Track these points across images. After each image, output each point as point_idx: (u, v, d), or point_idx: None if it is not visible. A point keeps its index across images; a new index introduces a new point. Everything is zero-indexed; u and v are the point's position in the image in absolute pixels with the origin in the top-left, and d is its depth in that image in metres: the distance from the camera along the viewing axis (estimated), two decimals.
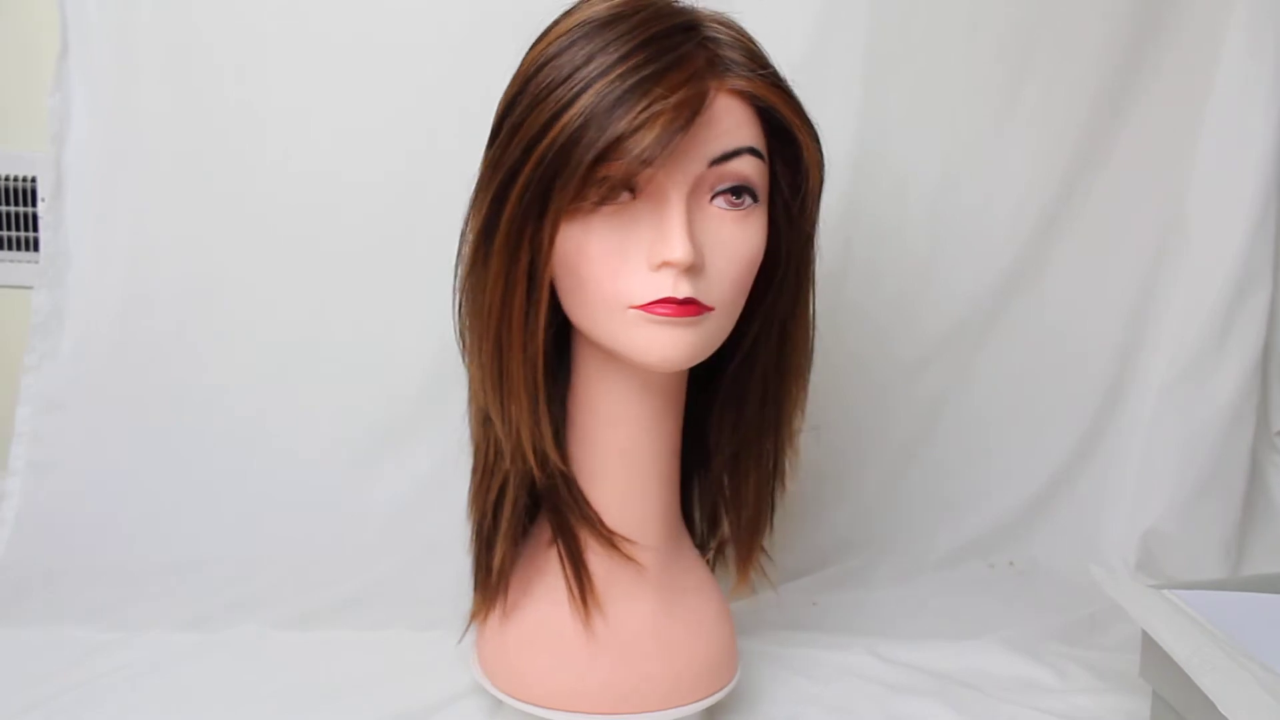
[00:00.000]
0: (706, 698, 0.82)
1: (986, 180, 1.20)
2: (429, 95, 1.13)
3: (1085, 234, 1.21)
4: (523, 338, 0.72)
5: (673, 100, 0.65)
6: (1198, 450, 1.20)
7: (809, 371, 0.83)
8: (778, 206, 0.75)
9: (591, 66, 0.67)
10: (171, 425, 1.15)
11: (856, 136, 1.17)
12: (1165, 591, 0.85)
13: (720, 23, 0.72)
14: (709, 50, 0.69)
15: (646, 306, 0.68)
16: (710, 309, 0.69)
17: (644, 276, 0.68)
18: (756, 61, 0.71)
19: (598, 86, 0.66)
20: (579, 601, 0.79)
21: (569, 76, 0.67)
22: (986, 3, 1.17)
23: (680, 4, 0.72)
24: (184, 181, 1.14)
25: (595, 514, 0.79)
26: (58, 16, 1.10)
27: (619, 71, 0.66)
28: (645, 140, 0.64)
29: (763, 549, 0.88)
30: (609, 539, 0.79)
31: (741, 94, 0.70)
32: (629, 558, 0.79)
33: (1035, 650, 1.03)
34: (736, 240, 0.70)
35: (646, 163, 0.65)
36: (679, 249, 0.66)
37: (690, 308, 0.68)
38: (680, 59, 0.67)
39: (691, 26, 0.70)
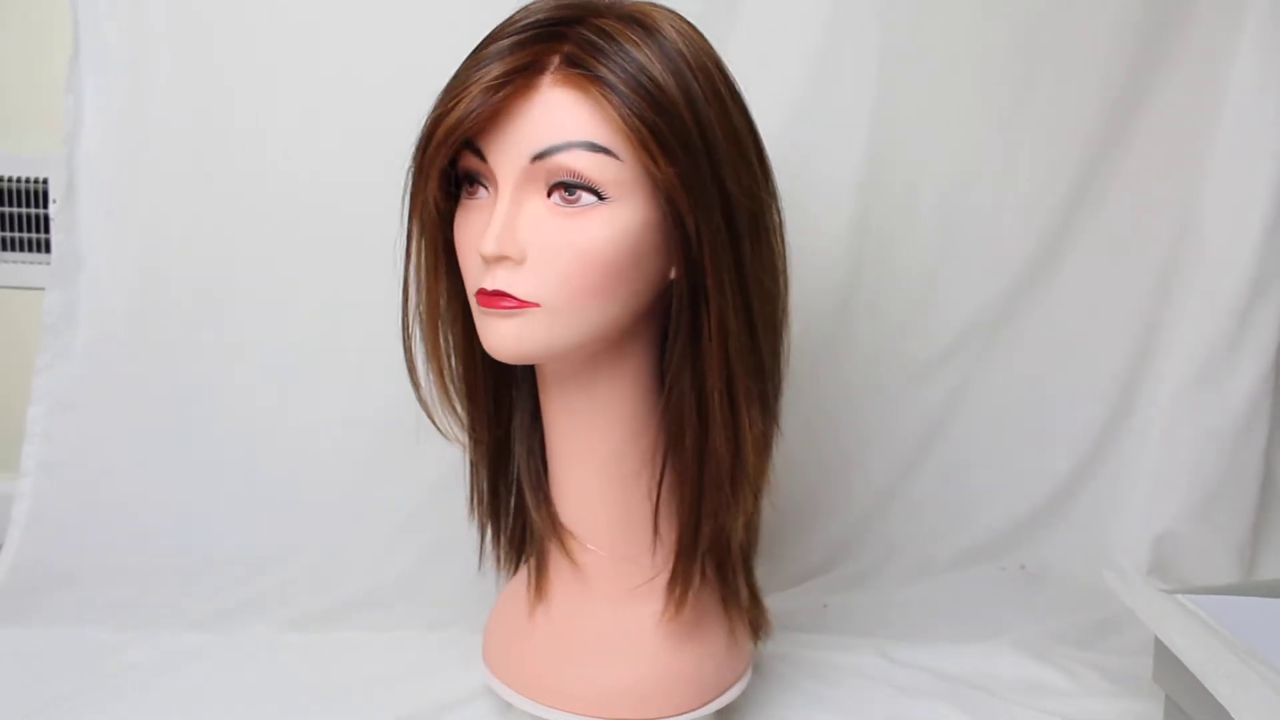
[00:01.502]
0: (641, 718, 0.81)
1: (998, 181, 1.19)
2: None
3: (1098, 235, 1.20)
4: (432, 312, 0.78)
5: (488, 78, 0.67)
6: (1212, 453, 1.19)
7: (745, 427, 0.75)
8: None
9: (467, 60, 0.70)
10: (182, 426, 1.15)
11: (868, 136, 1.17)
12: (1179, 596, 0.85)
13: (616, 18, 0.69)
14: (569, 44, 0.68)
15: (475, 295, 0.71)
16: (530, 304, 0.69)
17: (478, 267, 0.71)
18: (618, 59, 0.67)
19: (453, 75, 0.70)
20: (531, 586, 0.84)
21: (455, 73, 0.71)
22: (998, 3, 1.16)
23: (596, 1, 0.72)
24: (195, 182, 1.14)
25: (552, 509, 0.82)
26: (69, 18, 1.10)
27: (468, 62, 0.70)
28: (454, 116, 0.67)
29: (748, 588, 0.86)
30: (556, 533, 0.82)
31: (579, 88, 0.67)
32: (572, 557, 0.82)
33: (1046, 653, 1.03)
34: (563, 237, 0.69)
35: (456, 138, 0.68)
36: (487, 241, 0.68)
37: (498, 299, 0.69)
38: (525, 49, 0.68)
39: (573, 20, 0.69)
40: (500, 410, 0.85)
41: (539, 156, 0.68)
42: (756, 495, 0.77)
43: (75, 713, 0.87)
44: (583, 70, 0.67)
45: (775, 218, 0.77)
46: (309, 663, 0.97)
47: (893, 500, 1.22)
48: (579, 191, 0.68)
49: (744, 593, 0.86)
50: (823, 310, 1.19)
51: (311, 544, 1.13)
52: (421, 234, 0.76)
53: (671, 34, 0.69)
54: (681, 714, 0.80)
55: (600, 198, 0.68)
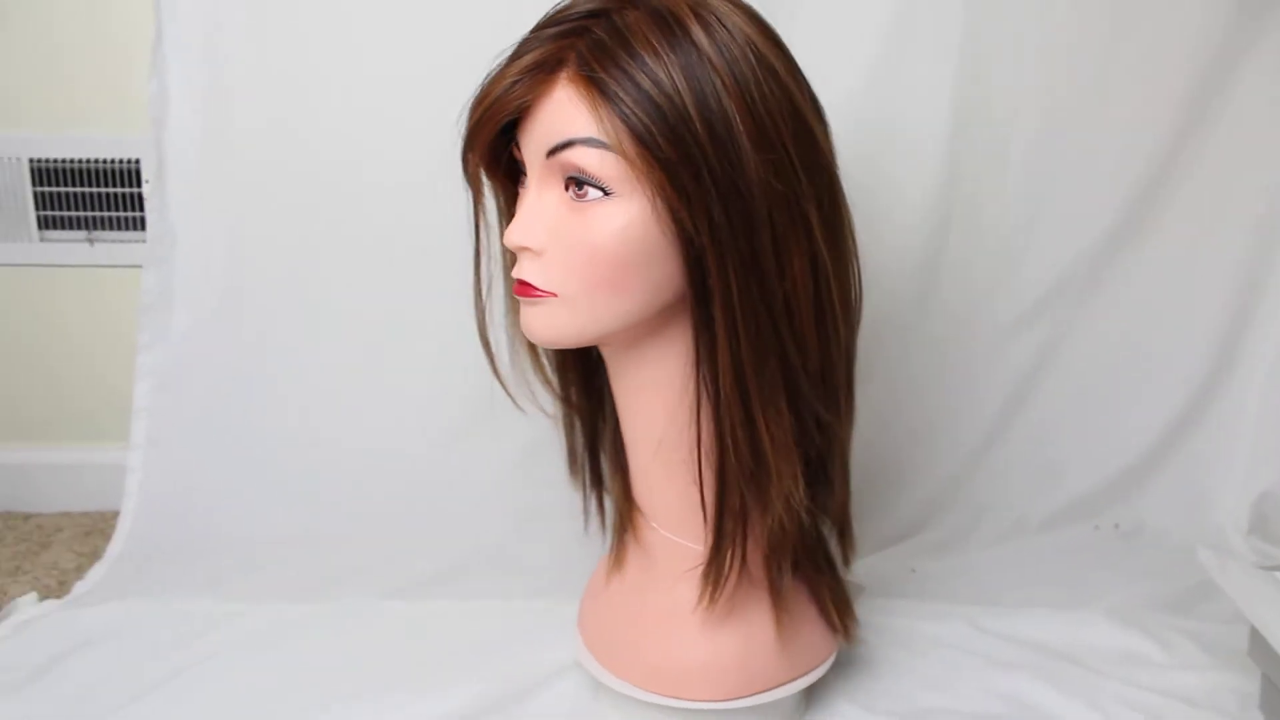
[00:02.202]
0: (667, 696, 0.82)
1: (1091, 133, 1.14)
2: None
3: (1196, 188, 1.15)
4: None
5: (513, 72, 0.70)
6: None
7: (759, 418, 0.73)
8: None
9: (514, 47, 0.73)
10: (275, 402, 1.19)
11: (955, 90, 1.13)
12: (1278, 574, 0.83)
13: (648, 13, 0.68)
14: (585, 42, 0.69)
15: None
16: (549, 294, 0.72)
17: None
18: (624, 65, 0.67)
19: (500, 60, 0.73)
20: (611, 554, 0.89)
21: None
22: None
23: None
24: (278, 164, 1.16)
25: (627, 483, 0.85)
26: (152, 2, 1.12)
27: (513, 51, 0.73)
28: (482, 107, 0.71)
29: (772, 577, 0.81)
30: (628, 508, 0.85)
31: (586, 87, 0.68)
32: (638, 533, 0.85)
33: (1140, 621, 1.01)
34: (573, 231, 0.70)
35: (486, 127, 0.72)
36: (509, 233, 0.72)
37: (524, 288, 0.73)
38: (553, 43, 0.70)
39: (603, 13, 0.70)
40: (591, 381, 0.88)
41: (553, 151, 0.70)
42: (787, 499, 0.74)
43: (198, 682, 0.92)
44: (588, 72, 0.68)
45: (820, 213, 0.72)
46: (406, 633, 1.00)
47: (982, 461, 1.21)
48: (587, 187, 0.69)
49: (807, 588, 0.85)
50: (908, 271, 1.17)
51: (401, 515, 1.17)
52: (478, 214, 0.80)
53: (699, 35, 0.67)
54: (722, 700, 0.81)
55: (606, 193, 0.69)
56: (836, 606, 0.86)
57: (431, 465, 1.19)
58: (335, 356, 1.19)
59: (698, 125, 0.66)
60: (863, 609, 1.01)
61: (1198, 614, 1.03)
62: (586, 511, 0.93)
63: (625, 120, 0.66)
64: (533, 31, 0.73)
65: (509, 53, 0.73)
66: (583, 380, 0.88)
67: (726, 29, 0.69)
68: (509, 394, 0.87)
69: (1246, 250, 1.17)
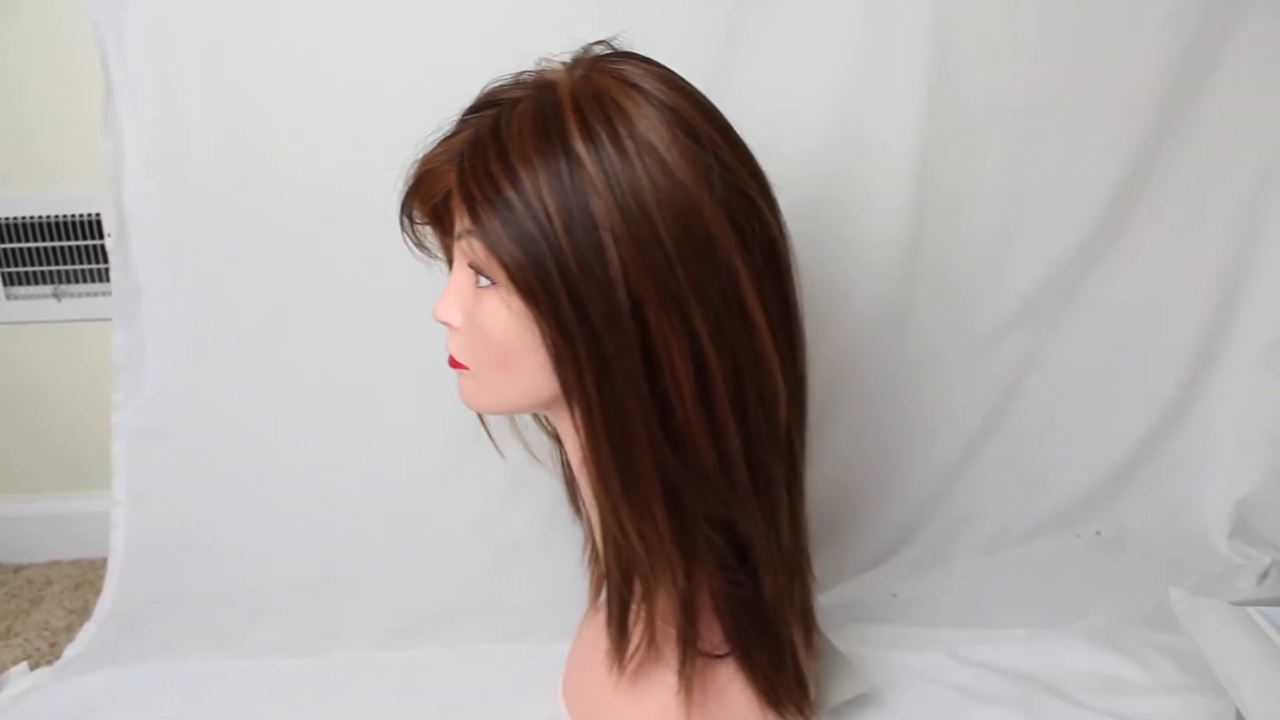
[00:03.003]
0: None
1: (1066, 140, 1.12)
2: None
3: (1177, 190, 1.13)
4: None
5: (423, 157, 0.75)
6: None
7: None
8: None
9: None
10: (254, 449, 1.18)
11: (928, 100, 1.10)
12: (1253, 612, 0.83)
13: (530, 122, 0.67)
14: (470, 140, 0.71)
15: None
16: (464, 366, 0.76)
17: None
18: (495, 165, 0.67)
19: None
20: (591, 592, 0.93)
21: None
22: None
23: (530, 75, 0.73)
24: (241, 209, 1.14)
25: (591, 528, 0.87)
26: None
27: (434, 139, 0.76)
28: (406, 190, 0.77)
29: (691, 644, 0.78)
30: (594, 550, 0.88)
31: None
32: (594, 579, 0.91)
33: (1121, 641, 1.01)
34: (474, 313, 0.73)
35: (409, 203, 0.78)
36: (436, 309, 0.76)
37: (451, 358, 0.76)
38: (454, 135, 0.74)
39: (494, 103, 0.72)
40: None
41: (457, 237, 0.73)
42: (644, 580, 0.74)
43: None
44: (460, 180, 0.69)
45: (709, 313, 0.67)
46: (407, 683, 1.01)
47: (964, 474, 1.20)
48: (480, 275, 0.71)
49: (745, 670, 0.81)
50: (884, 285, 1.15)
51: (393, 556, 1.17)
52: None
53: (579, 146, 0.65)
54: None
55: (493, 283, 0.71)
56: (781, 690, 0.82)
57: (416, 505, 1.19)
58: (311, 402, 1.18)
59: (562, 247, 0.65)
60: (845, 638, 1.02)
61: (1177, 627, 1.02)
62: (588, 540, 0.93)
63: (483, 235, 0.67)
64: (464, 112, 0.75)
65: (445, 130, 0.75)
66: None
67: (620, 131, 0.66)
68: (491, 438, 0.92)
69: (1224, 255, 1.15)
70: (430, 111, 1.07)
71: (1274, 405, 1.15)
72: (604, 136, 0.65)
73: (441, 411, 1.16)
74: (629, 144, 0.65)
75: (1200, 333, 1.17)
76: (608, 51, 0.75)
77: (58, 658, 1.09)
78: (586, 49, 0.75)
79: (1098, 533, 1.19)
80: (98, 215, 1.23)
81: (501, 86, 0.74)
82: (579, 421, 0.70)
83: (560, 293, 0.66)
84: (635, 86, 0.68)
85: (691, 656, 0.78)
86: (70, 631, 1.15)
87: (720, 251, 0.67)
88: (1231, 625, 0.80)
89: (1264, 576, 1.10)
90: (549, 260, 0.65)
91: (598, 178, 0.65)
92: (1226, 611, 0.82)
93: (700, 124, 0.68)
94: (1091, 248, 1.15)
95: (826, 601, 1.09)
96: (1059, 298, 1.17)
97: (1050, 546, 1.18)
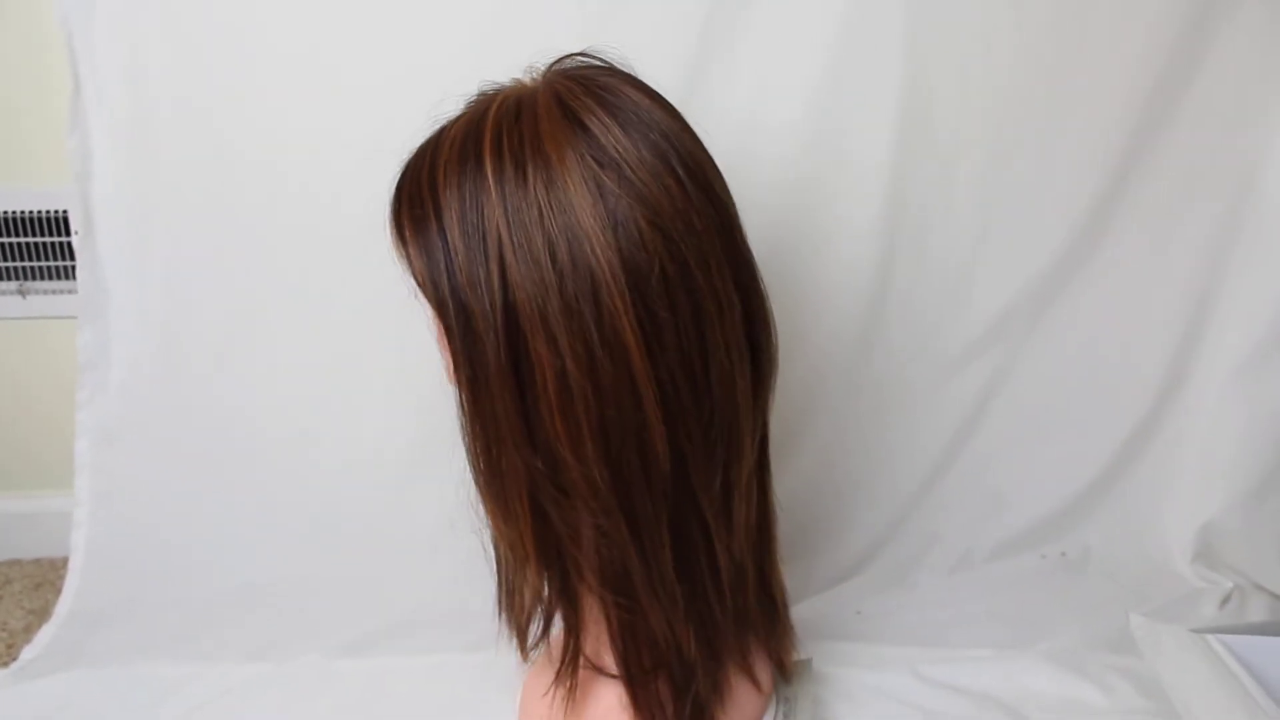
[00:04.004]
0: None
1: (1038, 161, 1.12)
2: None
3: (1146, 212, 1.13)
4: None
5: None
6: (1264, 440, 1.13)
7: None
8: None
9: None
10: (220, 452, 1.17)
11: (899, 113, 1.10)
12: (1212, 639, 0.83)
13: (457, 150, 0.70)
14: (409, 164, 0.75)
15: None
16: None
17: None
18: (423, 190, 0.71)
19: None
20: None
21: None
22: None
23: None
24: (212, 207, 1.13)
25: None
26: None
27: None
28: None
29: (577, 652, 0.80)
30: None
31: None
32: None
33: (1082, 663, 1.01)
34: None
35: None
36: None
37: None
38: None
39: (437, 136, 0.74)
40: None
41: None
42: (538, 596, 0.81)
43: None
44: (393, 206, 0.74)
45: (582, 344, 0.67)
46: (359, 693, 1.00)
47: (930, 494, 1.20)
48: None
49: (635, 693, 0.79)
50: (853, 305, 1.15)
51: (354, 563, 1.16)
52: None
53: (486, 161, 0.68)
54: None
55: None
56: None
57: (381, 511, 1.18)
58: (277, 404, 1.17)
59: (459, 276, 0.68)
60: (809, 654, 1.02)
61: (1138, 650, 1.04)
62: None
63: (403, 246, 0.72)
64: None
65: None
66: None
67: (526, 151, 0.67)
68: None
69: (1191, 281, 1.16)
70: (400, 112, 1.07)
71: (1239, 430, 1.15)
72: (507, 154, 0.67)
73: (407, 416, 1.16)
74: (530, 166, 0.67)
75: (1166, 357, 1.18)
76: (574, 65, 0.74)
77: (15, 659, 1.08)
78: (557, 61, 0.75)
79: (1062, 554, 1.20)
80: (64, 211, 1.22)
81: (484, 93, 0.75)
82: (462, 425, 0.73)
83: (450, 307, 0.69)
84: (563, 104, 0.69)
85: (570, 666, 0.80)
86: (28, 633, 1.14)
87: (602, 287, 0.66)
88: (1189, 652, 0.80)
89: (1226, 601, 1.11)
90: (444, 282, 0.69)
91: (495, 193, 0.67)
92: (1185, 638, 0.83)
93: (625, 151, 0.67)
94: (1060, 271, 1.16)
95: (795, 615, 1.09)
96: (1027, 320, 1.17)
97: (1015, 567, 1.19)
